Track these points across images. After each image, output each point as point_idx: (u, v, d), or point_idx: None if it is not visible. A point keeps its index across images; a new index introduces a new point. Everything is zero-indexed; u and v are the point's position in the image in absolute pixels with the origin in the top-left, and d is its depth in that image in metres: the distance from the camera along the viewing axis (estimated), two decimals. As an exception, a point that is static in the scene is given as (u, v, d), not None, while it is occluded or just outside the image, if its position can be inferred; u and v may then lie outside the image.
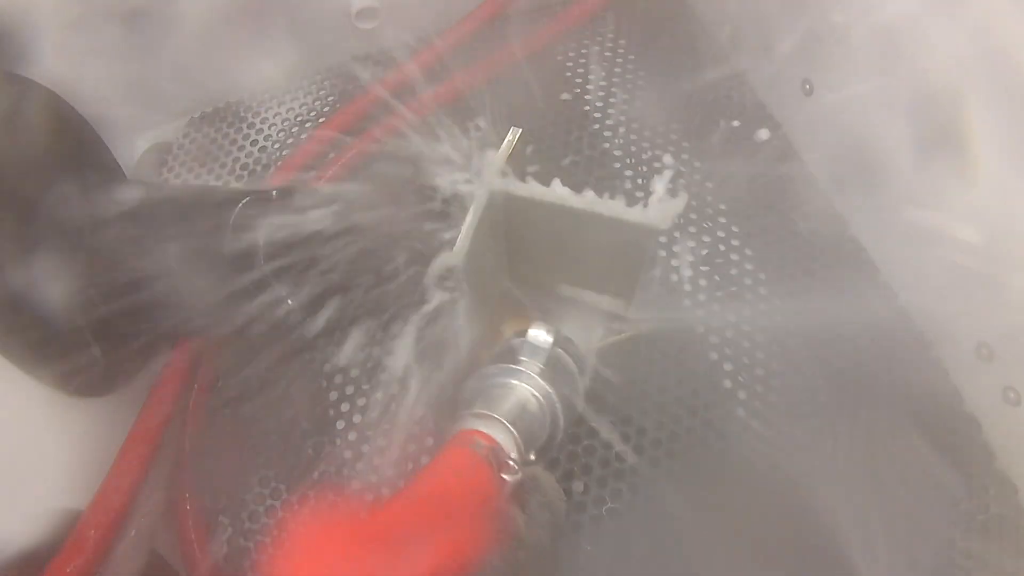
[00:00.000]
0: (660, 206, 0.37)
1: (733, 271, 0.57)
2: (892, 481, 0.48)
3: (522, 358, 0.42)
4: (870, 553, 0.46)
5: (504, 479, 0.37)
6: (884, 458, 0.49)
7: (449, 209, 0.43)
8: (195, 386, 0.53)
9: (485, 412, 0.38)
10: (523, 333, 0.43)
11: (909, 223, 0.52)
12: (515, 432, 0.38)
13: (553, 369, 0.43)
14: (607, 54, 0.69)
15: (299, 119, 0.67)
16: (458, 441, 0.37)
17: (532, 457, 0.39)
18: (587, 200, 0.37)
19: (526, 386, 0.41)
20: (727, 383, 0.53)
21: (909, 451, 0.49)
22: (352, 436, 0.52)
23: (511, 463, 0.37)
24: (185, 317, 0.49)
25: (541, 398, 0.41)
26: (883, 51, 0.51)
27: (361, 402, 0.54)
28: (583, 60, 0.69)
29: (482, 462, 0.36)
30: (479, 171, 0.40)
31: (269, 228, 0.47)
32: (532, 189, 0.39)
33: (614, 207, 0.37)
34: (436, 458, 0.37)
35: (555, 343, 0.43)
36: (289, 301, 0.48)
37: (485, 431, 0.38)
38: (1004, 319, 0.48)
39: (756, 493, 0.48)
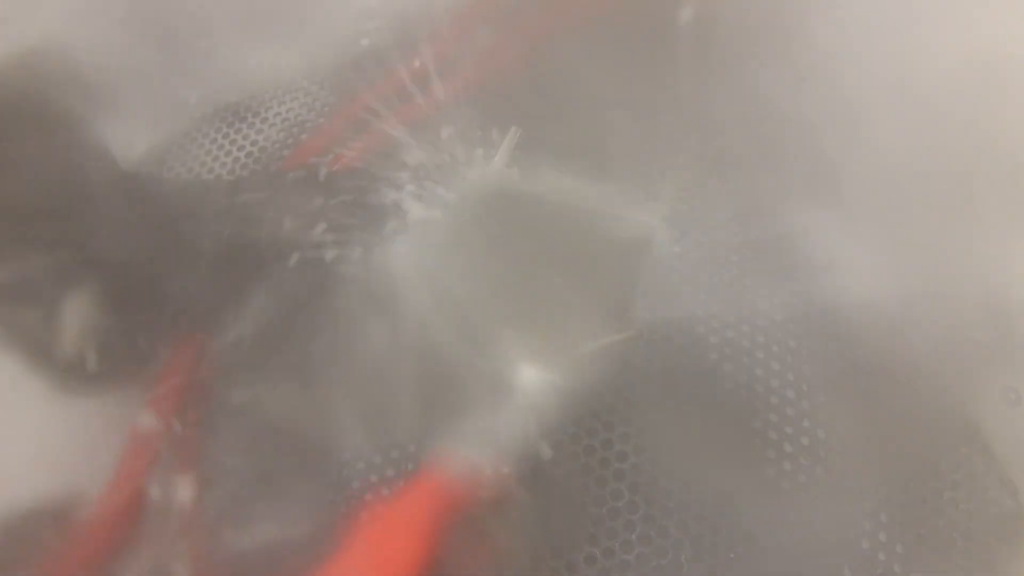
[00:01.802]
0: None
1: (734, 271, 0.57)
2: (891, 481, 0.48)
3: (498, 371, 0.42)
4: (868, 553, 0.47)
5: (479, 498, 0.37)
6: (882, 458, 0.49)
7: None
8: (197, 383, 0.53)
9: (456, 424, 0.38)
10: (500, 338, 0.42)
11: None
12: (489, 445, 0.37)
13: (531, 377, 0.42)
14: (607, 51, 0.69)
15: (299, 119, 0.67)
16: (429, 459, 0.37)
17: (506, 470, 0.39)
18: (586, 199, 0.37)
19: (500, 393, 0.41)
20: (727, 383, 0.53)
21: (907, 451, 0.49)
22: (351, 423, 0.52)
23: (485, 481, 0.37)
24: (187, 310, 0.49)
25: (515, 406, 0.41)
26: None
27: (357, 401, 0.54)
28: (582, 57, 0.69)
29: (455, 480, 0.36)
30: (481, 169, 0.40)
31: (274, 218, 0.47)
32: (531, 189, 0.39)
33: (612, 205, 0.37)
34: (406, 480, 0.37)
35: (533, 350, 0.42)
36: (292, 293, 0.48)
37: (457, 447, 0.37)
38: (1003, 318, 0.48)
39: (761, 492, 0.48)
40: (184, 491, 0.50)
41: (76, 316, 0.46)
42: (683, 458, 0.50)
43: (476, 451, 0.39)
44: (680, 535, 0.48)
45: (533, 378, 0.43)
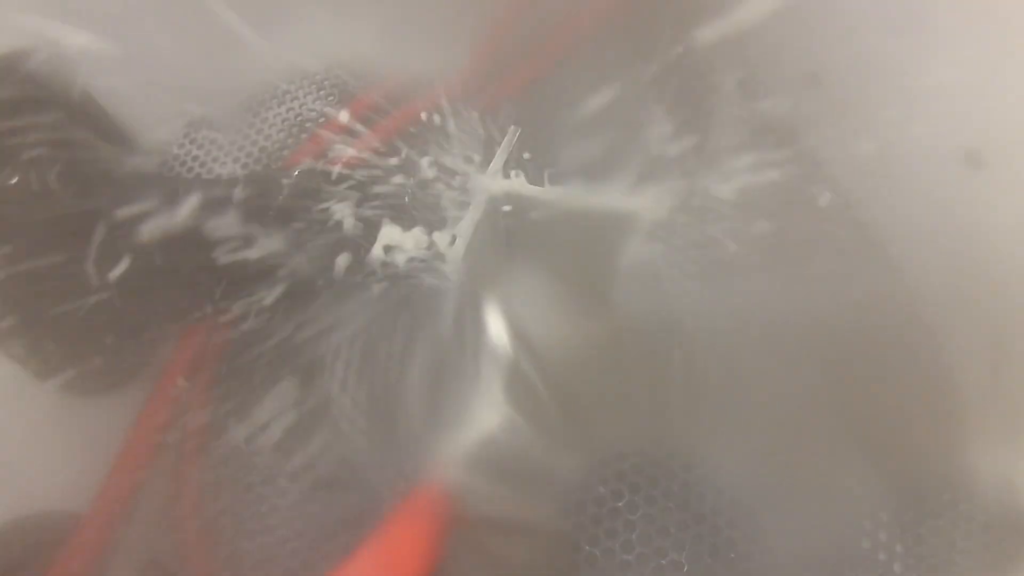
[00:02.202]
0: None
1: (724, 255, 0.56)
2: (889, 481, 0.48)
3: (486, 375, 0.42)
4: (868, 553, 0.46)
5: (485, 518, 0.36)
6: (881, 458, 0.48)
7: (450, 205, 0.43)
8: (199, 383, 0.53)
9: (455, 440, 0.37)
10: (488, 343, 0.42)
11: (922, 208, 0.52)
12: (488, 461, 0.37)
13: (520, 384, 0.42)
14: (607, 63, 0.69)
15: (299, 119, 0.67)
16: (429, 478, 0.36)
17: (509, 483, 0.38)
18: (581, 198, 0.38)
19: (494, 408, 0.41)
20: (719, 379, 0.52)
21: (905, 451, 0.49)
22: (357, 429, 0.52)
23: (488, 498, 0.36)
24: (193, 302, 0.49)
25: (508, 420, 0.41)
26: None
27: (363, 403, 0.53)
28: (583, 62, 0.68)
29: (457, 501, 0.35)
30: (480, 169, 0.41)
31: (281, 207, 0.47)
32: (530, 188, 0.39)
33: (608, 202, 0.37)
34: (406, 501, 0.36)
35: (519, 355, 0.42)
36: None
37: (457, 464, 0.37)
38: (1014, 310, 0.47)
39: (759, 491, 0.48)
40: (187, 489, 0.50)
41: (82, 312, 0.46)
42: (681, 457, 0.50)
43: (474, 455, 0.39)
44: (680, 535, 0.48)
45: (529, 374, 0.43)
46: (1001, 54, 0.45)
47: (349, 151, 0.61)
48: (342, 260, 0.49)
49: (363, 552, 0.37)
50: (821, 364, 0.52)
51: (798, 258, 0.56)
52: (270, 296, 0.49)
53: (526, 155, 0.62)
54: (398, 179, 0.60)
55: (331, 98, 0.68)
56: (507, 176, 0.40)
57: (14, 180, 0.44)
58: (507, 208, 0.41)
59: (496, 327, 0.48)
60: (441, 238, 0.43)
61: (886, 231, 0.56)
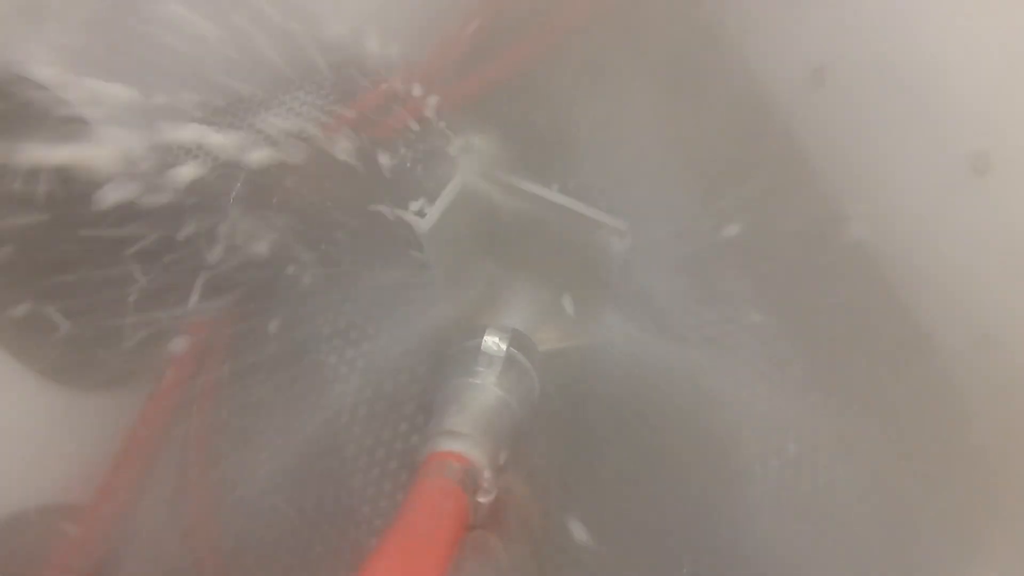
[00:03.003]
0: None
1: (718, 281, 0.55)
2: (892, 475, 0.47)
3: (479, 368, 0.43)
4: (866, 559, 0.45)
5: (480, 502, 0.37)
6: (879, 455, 0.47)
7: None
8: (202, 377, 0.53)
9: (454, 429, 0.38)
10: (479, 334, 0.43)
11: (914, 215, 0.51)
12: (485, 444, 0.38)
13: (509, 372, 0.43)
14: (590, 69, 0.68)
15: (299, 119, 0.67)
16: (431, 470, 0.37)
17: (502, 462, 0.39)
18: (552, 193, 0.38)
19: (487, 395, 0.42)
20: (707, 385, 0.51)
21: (908, 446, 0.48)
22: (352, 422, 0.52)
23: (485, 484, 0.37)
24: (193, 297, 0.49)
25: (502, 405, 0.42)
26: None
27: (365, 395, 0.53)
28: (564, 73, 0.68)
29: (457, 489, 0.36)
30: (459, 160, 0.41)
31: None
32: (504, 178, 0.40)
33: (572, 203, 0.38)
34: (411, 497, 0.36)
35: (510, 346, 0.43)
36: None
37: (456, 450, 0.37)
38: (1009, 309, 0.46)
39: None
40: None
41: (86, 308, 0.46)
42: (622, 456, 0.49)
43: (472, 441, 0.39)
44: (676, 538, 0.47)
45: (517, 371, 0.43)
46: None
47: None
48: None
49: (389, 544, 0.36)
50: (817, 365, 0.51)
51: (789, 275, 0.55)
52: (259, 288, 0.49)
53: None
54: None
55: (330, 97, 0.68)
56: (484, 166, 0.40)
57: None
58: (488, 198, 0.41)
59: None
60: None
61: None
